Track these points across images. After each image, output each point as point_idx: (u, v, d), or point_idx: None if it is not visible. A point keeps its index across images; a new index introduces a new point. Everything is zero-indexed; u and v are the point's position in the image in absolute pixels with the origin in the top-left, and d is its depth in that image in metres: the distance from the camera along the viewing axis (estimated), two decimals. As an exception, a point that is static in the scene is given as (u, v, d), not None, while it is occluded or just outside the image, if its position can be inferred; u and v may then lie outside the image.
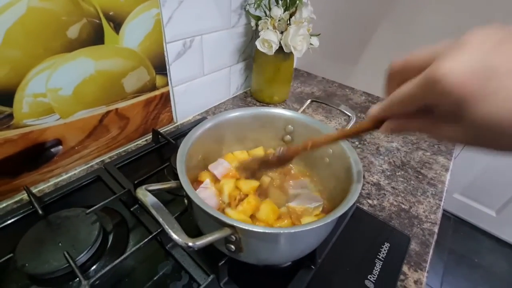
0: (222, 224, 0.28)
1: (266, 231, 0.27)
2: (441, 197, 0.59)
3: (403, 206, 0.56)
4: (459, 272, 1.42)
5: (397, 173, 0.65)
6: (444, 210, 1.69)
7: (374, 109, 0.25)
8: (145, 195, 0.29)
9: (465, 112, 0.18)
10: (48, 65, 0.45)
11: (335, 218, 0.29)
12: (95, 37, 0.49)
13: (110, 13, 0.49)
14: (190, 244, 0.25)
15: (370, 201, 0.57)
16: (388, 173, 0.64)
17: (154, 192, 0.31)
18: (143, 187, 0.30)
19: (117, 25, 0.51)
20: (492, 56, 0.17)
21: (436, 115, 0.20)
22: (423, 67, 0.19)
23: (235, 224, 0.27)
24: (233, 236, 0.29)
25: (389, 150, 0.72)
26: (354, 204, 0.53)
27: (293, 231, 0.27)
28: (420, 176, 0.64)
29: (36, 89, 0.45)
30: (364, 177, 0.62)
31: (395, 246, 0.48)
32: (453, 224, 1.66)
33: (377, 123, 0.26)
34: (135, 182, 0.49)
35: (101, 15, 0.48)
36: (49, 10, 0.42)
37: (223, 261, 0.37)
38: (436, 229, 0.52)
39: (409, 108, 0.22)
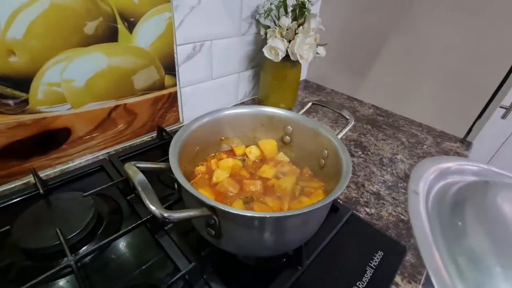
0: (202, 204, 0.29)
1: (241, 213, 0.27)
2: (445, 211, 0.56)
3: (402, 217, 0.54)
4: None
5: (399, 185, 0.63)
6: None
7: None
8: (133, 171, 0.30)
9: None
10: (64, 57, 0.49)
11: (312, 209, 0.28)
12: (109, 35, 0.53)
13: (125, 14, 0.53)
14: (166, 214, 0.25)
15: (367, 209, 0.55)
16: (390, 184, 0.63)
17: (143, 169, 0.32)
18: (132, 162, 0.31)
19: (131, 25, 0.55)
20: None
21: None
22: None
23: (212, 204, 0.28)
24: (212, 219, 0.30)
25: (393, 161, 0.70)
26: (350, 210, 0.52)
27: (268, 216, 0.27)
28: (423, 189, 0.62)
29: (51, 78, 0.49)
30: (363, 186, 0.61)
31: (389, 255, 0.46)
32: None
33: None
34: (133, 171, 0.51)
35: (117, 15, 0.52)
36: (70, 7, 0.46)
37: (207, 251, 0.37)
38: (436, 243, 0.50)
39: None
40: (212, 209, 0.29)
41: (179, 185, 0.31)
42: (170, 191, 0.54)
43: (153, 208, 0.25)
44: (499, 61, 0.72)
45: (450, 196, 0.30)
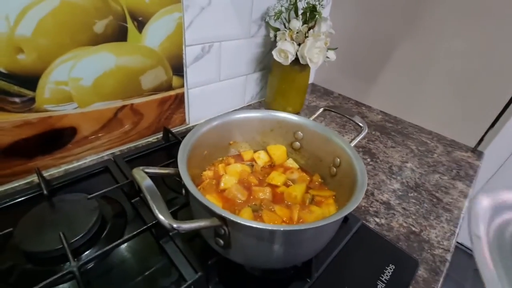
0: (212, 214, 0.28)
1: (254, 225, 0.26)
2: (457, 223, 0.55)
3: (413, 228, 0.53)
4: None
5: (409, 194, 0.61)
6: (463, 246, 1.56)
7: None
8: (141, 176, 0.29)
9: None
10: (73, 56, 0.48)
11: (326, 224, 0.27)
12: (119, 34, 0.52)
13: (135, 13, 0.52)
14: (175, 225, 0.24)
15: (377, 220, 0.54)
16: (400, 193, 0.61)
17: (151, 174, 0.31)
18: (140, 168, 0.30)
19: (140, 25, 0.54)
20: None
21: None
22: None
23: (223, 215, 0.26)
24: (222, 229, 0.28)
25: (402, 170, 0.69)
26: (360, 220, 0.51)
27: (281, 229, 0.26)
28: (434, 200, 0.60)
29: (59, 77, 0.48)
30: (373, 194, 0.60)
31: (401, 269, 0.44)
32: (475, 263, 1.52)
33: None
34: (139, 173, 0.49)
35: (127, 14, 0.51)
36: (80, 5, 0.46)
37: (213, 260, 0.36)
38: (449, 257, 0.48)
39: None
40: (223, 219, 0.27)
41: (188, 191, 0.30)
42: (175, 194, 0.53)
43: (162, 218, 0.24)
44: (508, 75, 0.70)
45: (509, 237, 0.28)
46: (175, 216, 0.44)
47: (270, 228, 0.26)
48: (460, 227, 0.55)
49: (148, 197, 0.26)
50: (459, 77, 0.78)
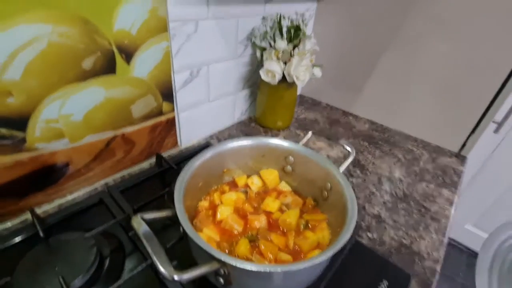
0: (211, 258, 0.29)
1: (254, 269, 0.27)
2: (445, 232, 0.57)
3: (404, 241, 0.55)
4: (473, 311, 1.33)
5: (398, 206, 0.64)
6: (456, 242, 1.62)
7: None
8: (139, 224, 0.30)
9: None
10: (62, 94, 0.48)
11: (322, 260, 0.29)
12: (107, 68, 0.52)
13: (123, 46, 0.53)
14: (176, 277, 0.25)
15: (369, 234, 0.56)
16: (390, 205, 0.64)
17: (149, 221, 0.32)
18: (139, 215, 0.31)
19: (128, 56, 0.54)
20: None
21: None
22: None
23: (223, 259, 0.28)
24: (221, 270, 0.29)
25: (391, 180, 0.71)
26: (352, 237, 0.52)
27: (279, 270, 0.27)
28: (422, 209, 0.63)
29: (49, 115, 0.48)
30: (364, 208, 0.62)
31: (394, 284, 0.46)
32: (466, 258, 1.58)
33: None
34: (135, 208, 0.50)
35: (114, 48, 0.52)
36: (67, 45, 0.46)
37: (214, 294, 0.37)
38: (438, 268, 0.50)
39: None
40: (222, 262, 0.28)
41: (187, 235, 0.31)
42: (169, 221, 0.53)
43: (163, 270, 0.25)
44: (491, 77, 0.74)
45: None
46: (174, 251, 0.44)
47: (268, 270, 0.27)
48: (447, 235, 0.57)
49: (148, 248, 0.27)
50: (441, 84, 0.82)
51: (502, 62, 0.72)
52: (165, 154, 0.71)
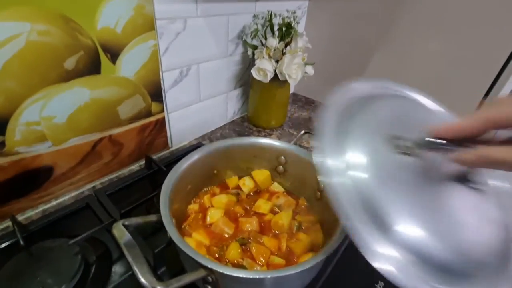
0: (198, 265, 0.27)
1: (242, 275, 0.26)
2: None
3: (399, 240, 0.54)
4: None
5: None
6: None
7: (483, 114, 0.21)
8: (121, 232, 0.28)
9: None
10: (43, 95, 0.46)
11: (314, 264, 0.27)
12: (91, 68, 0.50)
13: (107, 45, 0.51)
14: (159, 289, 0.24)
15: (364, 234, 0.55)
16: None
17: (132, 228, 0.30)
18: (120, 222, 0.29)
19: (114, 56, 0.53)
20: None
21: None
22: None
23: (210, 266, 0.26)
24: (209, 277, 0.28)
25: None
26: (347, 237, 0.51)
27: (269, 276, 0.26)
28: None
29: (30, 117, 0.46)
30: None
31: (390, 285, 0.45)
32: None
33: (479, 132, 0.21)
34: (122, 212, 0.48)
35: (99, 47, 0.50)
36: (48, 43, 0.44)
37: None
38: (434, 267, 0.50)
39: None
40: (210, 270, 0.27)
41: (173, 243, 0.29)
42: (159, 225, 0.51)
43: (143, 280, 0.24)
44: (482, 74, 0.74)
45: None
46: (164, 256, 0.42)
47: (257, 276, 0.26)
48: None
49: (129, 257, 0.25)
50: (433, 80, 0.82)
51: (493, 59, 0.71)
52: (155, 155, 0.69)
